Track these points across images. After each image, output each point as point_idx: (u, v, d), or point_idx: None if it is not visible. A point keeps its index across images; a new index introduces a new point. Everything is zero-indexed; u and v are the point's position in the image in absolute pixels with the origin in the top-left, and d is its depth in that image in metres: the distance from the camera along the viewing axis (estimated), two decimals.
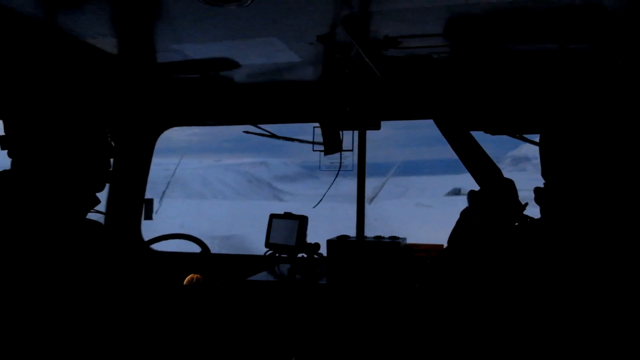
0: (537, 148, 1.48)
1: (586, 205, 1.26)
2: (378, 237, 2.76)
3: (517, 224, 1.57)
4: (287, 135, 3.58)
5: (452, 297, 1.50)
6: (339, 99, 3.12)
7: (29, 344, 1.40)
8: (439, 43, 2.28)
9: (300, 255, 3.08)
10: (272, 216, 3.18)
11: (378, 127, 3.19)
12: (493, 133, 2.84)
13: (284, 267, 3.08)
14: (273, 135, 3.54)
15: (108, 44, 2.35)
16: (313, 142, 3.34)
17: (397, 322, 2.42)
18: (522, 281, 1.29)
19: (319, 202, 3.32)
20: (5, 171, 1.51)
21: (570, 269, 1.21)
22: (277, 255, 3.19)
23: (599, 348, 1.18)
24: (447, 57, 2.47)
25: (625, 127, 1.24)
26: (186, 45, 2.36)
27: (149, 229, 3.69)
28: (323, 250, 2.96)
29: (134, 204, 3.63)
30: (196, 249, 3.31)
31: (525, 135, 2.97)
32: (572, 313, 1.20)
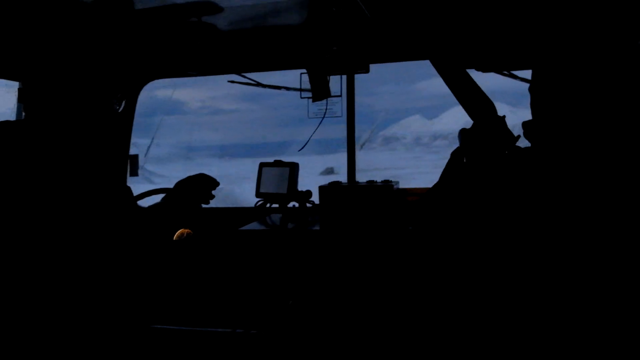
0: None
1: (575, 134, 1.26)
2: (370, 182, 2.71)
3: (507, 152, 1.56)
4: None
5: (448, 236, 1.48)
6: (326, 42, 3.03)
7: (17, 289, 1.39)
8: None
9: (291, 204, 3.03)
10: (262, 165, 3.11)
11: (367, 71, 3.11)
12: (484, 70, 2.77)
13: (276, 217, 3.03)
14: (259, 84, 3.44)
15: None
16: (300, 90, 3.26)
17: (392, 266, 2.40)
18: (516, 208, 1.28)
19: (304, 146, 3.30)
20: (20, 120, 1.58)
21: (563, 195, 1.21)
22: (268, 205, 3.14)
23: (590, 278, 1.18)
24: None
25: (615, 60, 1.23)
26: None
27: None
28: (315, 199, 2.92)
29: (118, 160, 3.54)
30: None
31: (514, 72, 2.91)
32: (566, 241, 1.20)
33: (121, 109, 3.32)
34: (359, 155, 3.33)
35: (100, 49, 1.71)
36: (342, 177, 3.25)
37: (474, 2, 2.52)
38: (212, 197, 2.12)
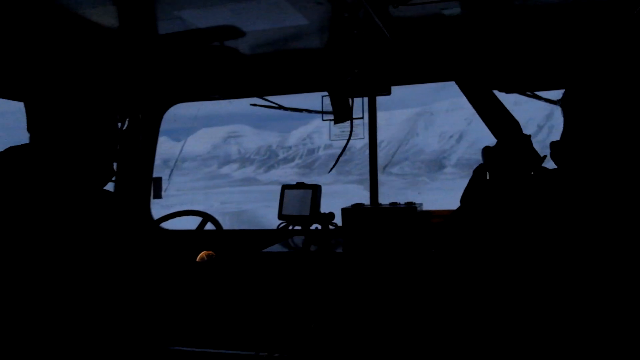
0: None
1: (607, 158, 1.24)
2: (393, 204, 2.69)
3: (533, 173, 1.54)
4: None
5: (471, 260, 1.46)
6: (348, 65, 3.04)
7: (37, 313, 1.39)
8: None
9: (314, 227, 3.02)
10: (284, 187, 3.11)
11: (389, 93, 3.11)
12: (507, 92, 2.75)
13: (298, 239, 3.02)
14: (281, 107, 3.46)
15: (107, 16, 2.27)
16: (322, 112, 3.27)
17: (415, 289, 2.36)
18: (542, 231, 1.26)
19: (333, 167, 3.32)
20: (24, 145, 1.55)
21: (588, 217, 1.19)
22: (290, 228, 3.13)
23: (612, 294, 1.16)
24: (458, 14, 2.37)
25: None
26: (187, 11, 2.26)
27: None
28: (338, 221, 2.90)
29: (142, 182, 3.58)
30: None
31: (537, 93, 2.88)
32: (589, 260, 1.18)
33: (125, 126, 3.34)
34: None
35: (105, 71, 1.71)
36: None
37: (495, 25, 2.52)
38: None
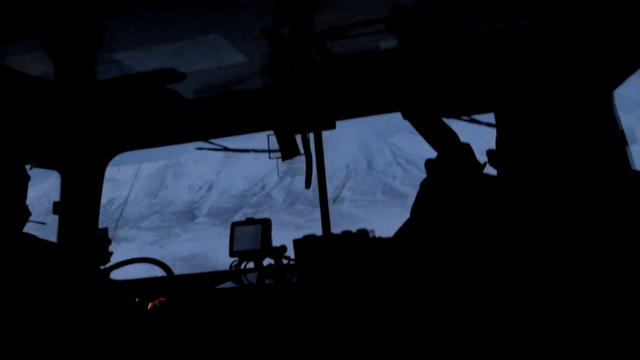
0: None
1: (538, 164, 1.31)
2: (345, 232, 2.71)
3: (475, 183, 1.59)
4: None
5: (426, 271, 1.48)
6: (291, 101, 3.09)
7: None
8: (384, 29, 2.28)
9: (267, 262, 2.99)
10: (234, 224, 3.09)
11: (333, 127, 3.17)
12: (447, 117, 2.86)
13: (252, 276, 2.98)
14: (226, 149, 3.48)
15: (39, 63, 2.21)
16: (269, 151, 3.29)
17: (372, 311, 2.36)
18: (489, 235, 1.30)
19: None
20: None
21: (532, 220, 1.24)
22: (242, 267, 3.09)
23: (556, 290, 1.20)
24: (394, 47, 2.47)
25: (565, 101, 1.30)
26: (124, 53, 2.22)
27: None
28: (290, 253, 2.89)
29: (86, 234, 3.47)
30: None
31: (475, 117, 3.01)
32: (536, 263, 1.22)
33: (32, 168, 3.26)
34: None
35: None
36: None
37: (430, 53, 2.63)
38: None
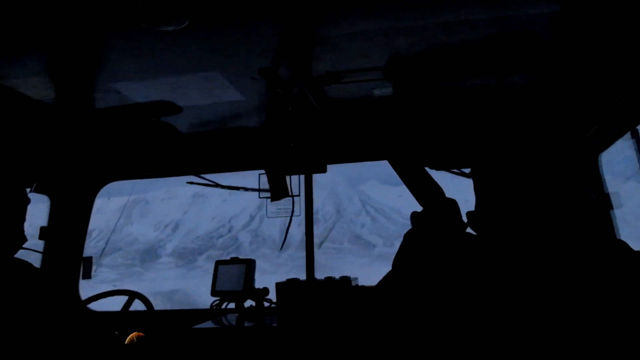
0: None
1: (516, 223, 1.31)
2: (328, 278, 2.68)
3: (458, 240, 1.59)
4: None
5: (404, 322, 1.47)
6: (284, 142, 3.10)
7: None
8: (380, 77, 2.30)
9: (248, 304, 2.94)
10: (218, 262, 3.05)
11: (324, 170, 3.18)
12: (437, 169, 2.87)
13: (232, 317, 2.93)
14: (217, 185, 3.47)
15: (41, 87, 2.23)
16: (259, 190, 3.29)
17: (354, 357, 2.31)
18: (469, 292, 1.29)
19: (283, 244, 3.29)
20: None
21: (507, 280, 1.23)
22: (224, 307, 3.04)
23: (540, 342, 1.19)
24: (390, 95, 2.49)
25: (544, 155, 1.32)
26: (124, 83, 2.24)
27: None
28: (272, 296, 2.85)
29: (71, 262, 3.43)
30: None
31: (464, 170, 3.02)
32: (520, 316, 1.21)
33: (31, 191, 3.24)
34: None
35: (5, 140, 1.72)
36: None
37: (424, 104, 2.66)
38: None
